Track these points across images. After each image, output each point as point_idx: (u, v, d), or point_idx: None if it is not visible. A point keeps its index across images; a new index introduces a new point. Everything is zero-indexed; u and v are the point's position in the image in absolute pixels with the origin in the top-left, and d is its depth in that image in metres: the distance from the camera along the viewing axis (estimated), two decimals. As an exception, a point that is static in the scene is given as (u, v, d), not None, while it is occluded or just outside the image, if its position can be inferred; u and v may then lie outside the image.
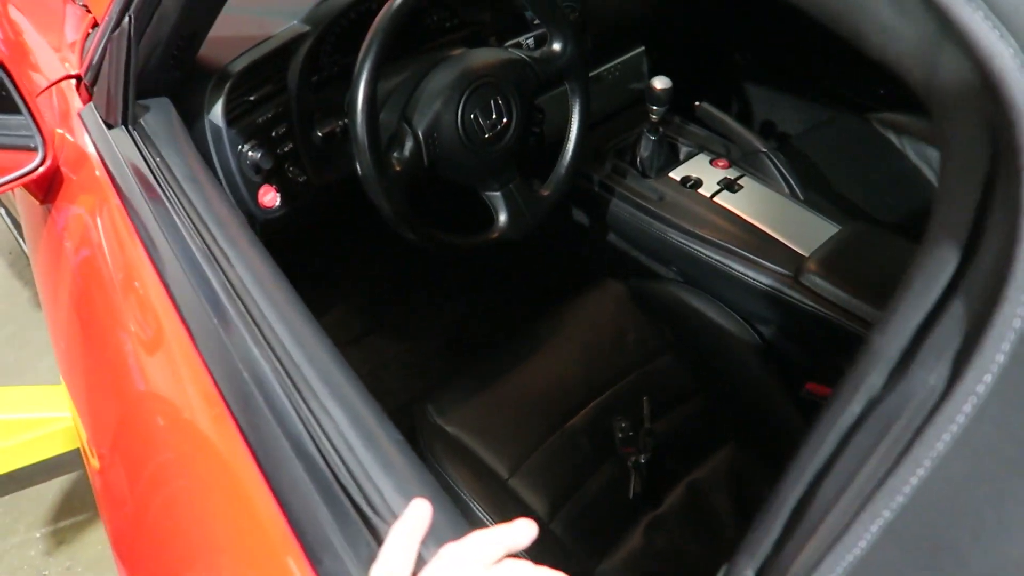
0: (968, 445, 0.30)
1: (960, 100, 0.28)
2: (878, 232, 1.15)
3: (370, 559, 0.44)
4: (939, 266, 0.30)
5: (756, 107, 1.71)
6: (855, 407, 0.34)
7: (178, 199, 0.73)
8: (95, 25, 0.98)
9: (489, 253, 1.09)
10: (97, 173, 0.80)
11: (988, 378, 0.29)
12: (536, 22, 1.20)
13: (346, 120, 1.02)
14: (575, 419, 1.04)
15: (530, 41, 1.17)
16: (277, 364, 0.57)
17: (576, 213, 1.38)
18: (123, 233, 0.73)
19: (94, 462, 0.77)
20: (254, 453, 0.55)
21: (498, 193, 1.08)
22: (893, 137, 1.49)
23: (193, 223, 0.71)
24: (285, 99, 0.99)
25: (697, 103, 1.37)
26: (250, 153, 0.94)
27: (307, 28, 1.00)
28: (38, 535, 1.59)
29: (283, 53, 0.98)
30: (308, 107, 1.00)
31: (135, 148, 0.79)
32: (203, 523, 0.59)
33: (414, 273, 1.53)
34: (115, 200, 0.76)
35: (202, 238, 0.69)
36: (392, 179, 0.95)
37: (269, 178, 0.98)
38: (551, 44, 1.09)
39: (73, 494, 1.65)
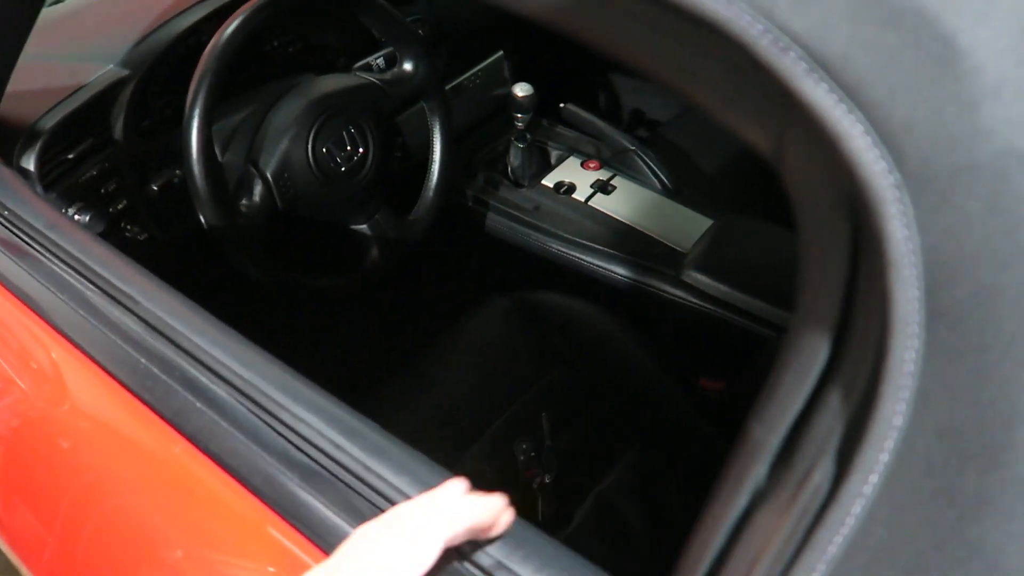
0: (862, 549, 0.27)
1: (813, 179, 0.25)
2: (752, 222, 1.16)
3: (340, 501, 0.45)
4: (811, 353, 0.27)
5: (624, 100, 1.70)
6: (742, 499, 0.31)
7: (44, 247, 0.66)
8: None
9: (367, 288, 1.03)
10: None
11: (874, 478, 0.26)
12: (383, 44, 1.14)
13: (173, 176, 0.93)
14: (475, 447, 1.00)
15: (380, 61, 1.11)
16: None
17: (453, 231, 1.33)
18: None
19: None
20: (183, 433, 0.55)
21: (364, 226, 1.02)
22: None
23: (75, 269, 0.64)
24: (111, 152, 0.89)
25: (562, 105, 1.35)
26: (76, 217, 0.84)
27: (126, 72, 0.90)
28: None
29: (102, 101, 0.88)
30: (139, 158, 0.91)
31: None
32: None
33: (278, 322, 1.43)
34: None
35: (93, 283, 0.62)
36: (242, 228, 0.87)
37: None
38: (402, 64, 1.03)
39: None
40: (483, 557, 0.43)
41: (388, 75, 1.02)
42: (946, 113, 0.22)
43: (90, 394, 0.63)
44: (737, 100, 0.26)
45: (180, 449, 0.55)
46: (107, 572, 0.63)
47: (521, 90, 1.18)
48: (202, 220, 0.85)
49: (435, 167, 1.08)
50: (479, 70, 1.40)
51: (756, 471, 0.31)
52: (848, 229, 0.25)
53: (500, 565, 0.43)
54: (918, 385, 0.24)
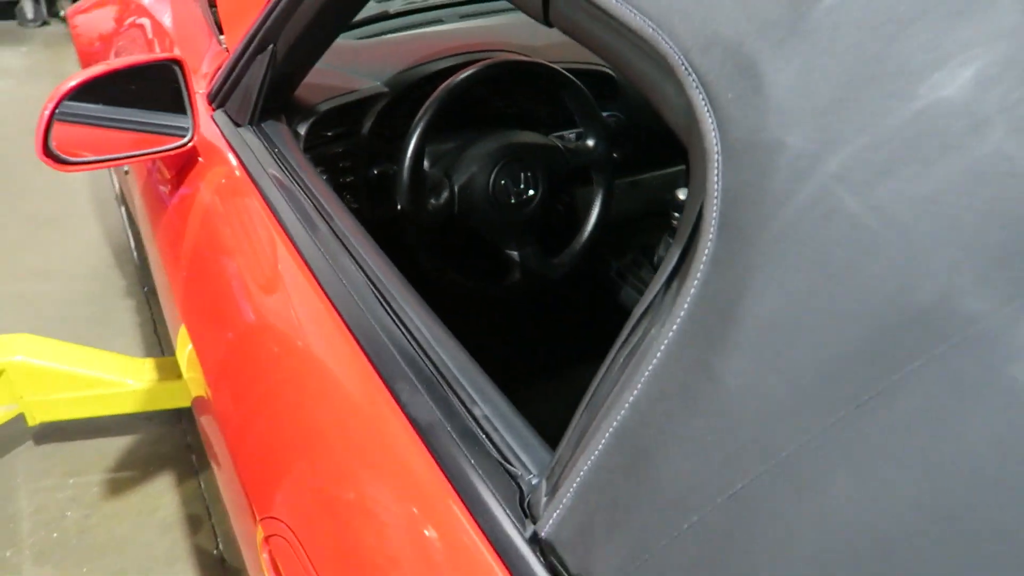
0: (658, 378, 0.44)
1: (695, 146, 0.44)
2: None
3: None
4: (676, 249, 0.45)
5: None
6: (615, 353, 0.49)
7: (294, 181, 0.95)
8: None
9: (506, 302, 1.25)
10: (228, 156, 1.03)
11: (673, 329, 0.43)
12: (570, 124, 1.40)
13: (393, 166, 1.23)
14: None
15: (572, 135, 1.37)
16: (391, 312, 0.74)
17: (592, 291, 1.53)
18: (250, 202, 0.95)
19: (207, 393, 0.93)
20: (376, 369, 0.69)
21: (515, 253, 1.26)
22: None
23: (310, 199, 0.91)
24: (354, 141, 1.21)
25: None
26: None
27: (386, 90, 1.23)
28: (70, 482, 1.78)
29: (362, 105, 1.21)
30: (371, 151, 1.22)
31: (259, 141, 1.03)
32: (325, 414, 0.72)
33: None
34: (242, 175, 0.99)
35: (319, 214, 0.88)
36: (425, 220, 1.14)
37: (330, 200, 1.20)
38: (585, 140, 1.29)
39: (109, 455, 1.84)
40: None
41: (572, 145, 1.28)
42: (748, 115, 0.40)
43: (309, 309, 0.80)
44: (660, 99, 0.47)
45: (374, 387, 0.68)
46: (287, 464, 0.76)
47: (683, 193, 1.38)
48: (399, 206, 1.13)
49: (587, 229, 1.31)
50: (659, 175, 1.62)
51: (629, 330, 0.49)
52: (701, 172, 0.44)
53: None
54: (705, 276, 0.42)
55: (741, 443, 0.40)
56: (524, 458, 0.59)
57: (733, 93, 0.42)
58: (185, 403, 1.84)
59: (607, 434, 0.47)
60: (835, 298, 0.38)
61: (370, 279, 0.78)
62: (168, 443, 1.89)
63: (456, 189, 1.18)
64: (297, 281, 0.83)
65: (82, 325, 2.18)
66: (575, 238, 1.32)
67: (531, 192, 1.23)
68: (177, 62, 0.99)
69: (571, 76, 1.23)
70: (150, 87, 1.00)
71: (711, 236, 0.42)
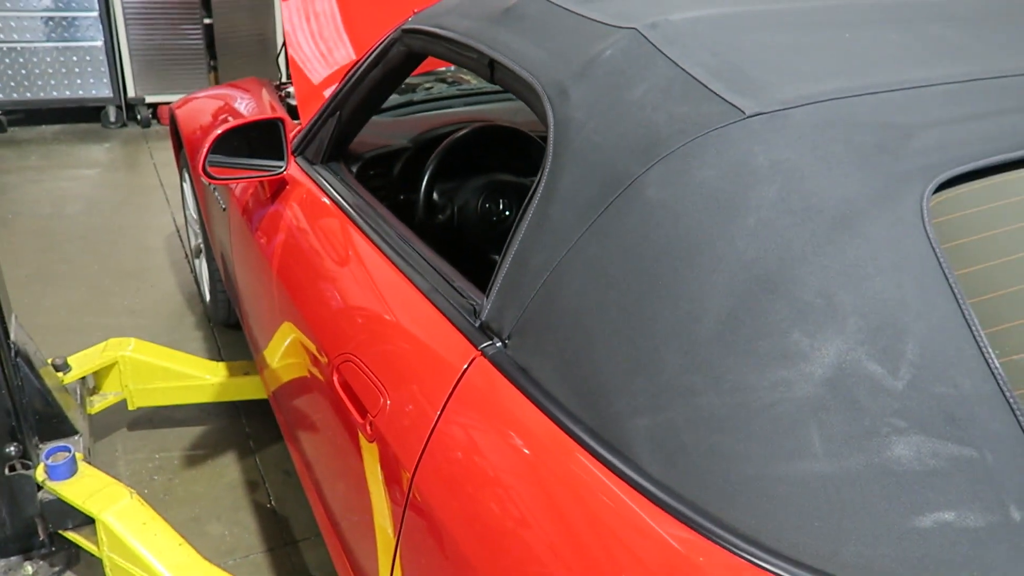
0: (530, 225, 0.98)
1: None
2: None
3: None
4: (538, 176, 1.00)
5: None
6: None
7: (357, 198, 1.51)
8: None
9: None
10: (308, 184, 1.61)
11: (536, 199, 0.98)
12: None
13: (414, 194, 1.81)
14: None
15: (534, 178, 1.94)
16: None
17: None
18: (325, 212, 1.51)
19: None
20: None
21: (496, 256, 1.81)
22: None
23: (368, 210, 1.46)
24: (388, 179, 1.79)
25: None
26: None
27: (409, 145, 1.82)
28: (156, 456, 2.28)
29: (393, 155, 1.80)
30: (399, 185, 1.80)
31: (329, 174, 1.61)
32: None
33: None
34: (319, 195, 1.56)
35: (376, 217, 1.43)
36: (434, 228, 1.70)
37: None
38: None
39: (186, 438, 2.35)
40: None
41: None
42: (563, 108, 0.96)
43: (382, 272, 1.41)
44: (534, 106, 1.03)
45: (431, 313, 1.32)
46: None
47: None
48: (415, 219, 1.70)
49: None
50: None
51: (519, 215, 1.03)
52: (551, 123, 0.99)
53: None
54: (547, 175, 0.96)
55: (557, 245, 0.93)
56: (473, 296, 1.11)
57: (558, 100, 0.98)
58: (248, 396, 2.36)
59: (508, 260, 1.00)
60: (585, 173, 0.92)
61: (407, 252, 1.32)
62: (231, 431, 2.40)
63: (456, 210, 1.74)
64: (368, 253, 1.36)
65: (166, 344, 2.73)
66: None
67: (507, 213, 1.79)
68: (280, 120, 1.58)
69: (535, 136, 1.82)
70: (260, 137, 1.59)
71: (550, 161, 0.97)
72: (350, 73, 1.61)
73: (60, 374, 2.05)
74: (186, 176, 2.83)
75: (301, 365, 1.49)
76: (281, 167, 1.61)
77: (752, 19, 1.03)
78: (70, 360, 2.15)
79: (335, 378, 1.23)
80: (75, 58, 4.69)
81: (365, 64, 1.55)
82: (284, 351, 1.62)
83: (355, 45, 2.02)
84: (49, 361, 2.01)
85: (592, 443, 0.84)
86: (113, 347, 2.23)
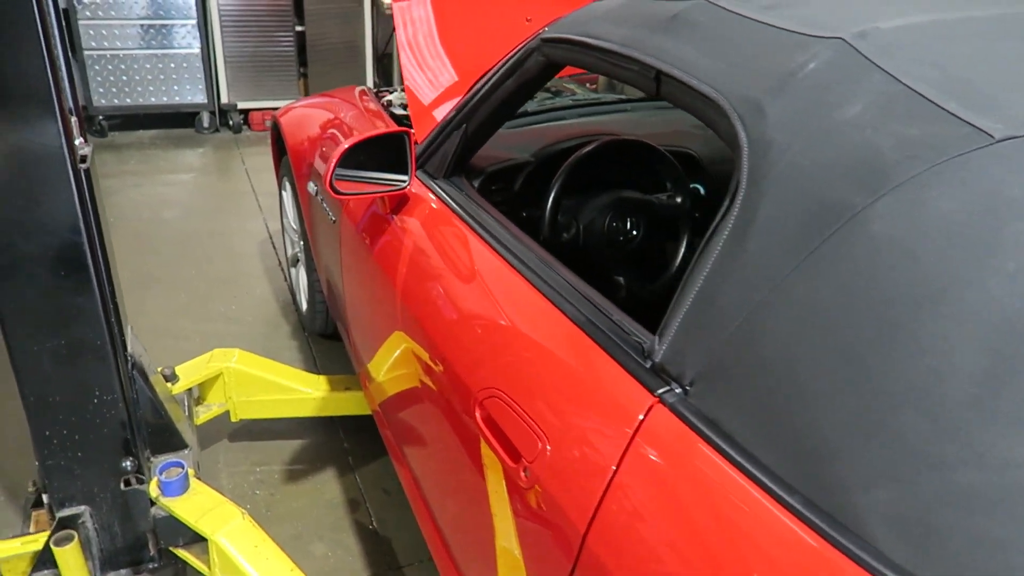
0: (721, 257, 0.87)
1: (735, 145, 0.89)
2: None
3: None
4: (726, 200, 0.90)
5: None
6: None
7: (482, 213, 1.44)
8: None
9: None
10: (430, 198, 1.55)
11: (727, 233, 0.87)
12: (668, 187, 1.87)
13: (538, 211, 1.72)
14: None
15: (664, 196, 1.83)
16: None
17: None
18: (451, 227, 1.44)
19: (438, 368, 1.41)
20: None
21: (621, 277, 1.71)
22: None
23: (511, 234, 1.37)
24: (509, 194, 1.71)
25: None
26: None
27: (531, 159, 1.74)
28: (258, 470, 2.26)
29: (514, 169, 1.72)
30: (522, 200, 1.72)
31: (453, 188, 1.54)
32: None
33: None
34: (443, 210, 1.49)
35: (526, 247, 1.32)
36: (558, 246, 1.61)
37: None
38: (674, 198, 1.75)
39: (286, 452, 2.32)
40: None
41: (665, 201, 1.74)
42: (758, 128, 0.86)
43: (512, 287, 1.27)
44: (716, 126, 0.93)
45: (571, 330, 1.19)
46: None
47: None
48: (541, 237, 1.61)
49: (675, 263, 1.75)
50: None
51: (702, 245, 0.92)
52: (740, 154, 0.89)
53: None
54: (742, 202, 0.86)
55: (756, 282, 0.83)
56: (635, 330, 1.01)
57: (752, 119, 0.88)
58: (349, 412, 2.31)
59: (691, 296, 0.90)
60: (792, 202, 0.81)
61: (553, 279, 1.22)
62: (329, 447, 2.36)
63: (581, 228, 1.65)
64: (509, 278, 1.27)
65: (262, 353, 2.71)
66: (665, 271, 1.76)
67: (634, 233, 1.69)
68: (407, 133, 1.51)
69: (664, 151, 1.71)
70: (383, 150, 1.52)
71: (743, 187, 0.86)
72: (479, 84, 1.53)
73: (169, 385, 2.04)
74: (287, 184, 2.82)
75: (427, 390, 1.42)
76: (405, 181, 1.55)
77: (963, 27, 0.91)
78: (177, 371, 2.14)
79: (477, 413, 1.15)
80: (172, 65, 4.79)
81: (497, 74, 1.47)
82: (404, 372, 1.56)
83: (471, 55, 1.96)
84: (159, 370, 2.00)
85: (809, 514, 0.73)
86: (218, 358, 2.22)
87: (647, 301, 1.73)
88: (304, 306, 2.84)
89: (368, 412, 2.30)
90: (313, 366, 2.73)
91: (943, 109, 0.78)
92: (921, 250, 0.73)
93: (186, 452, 1.87)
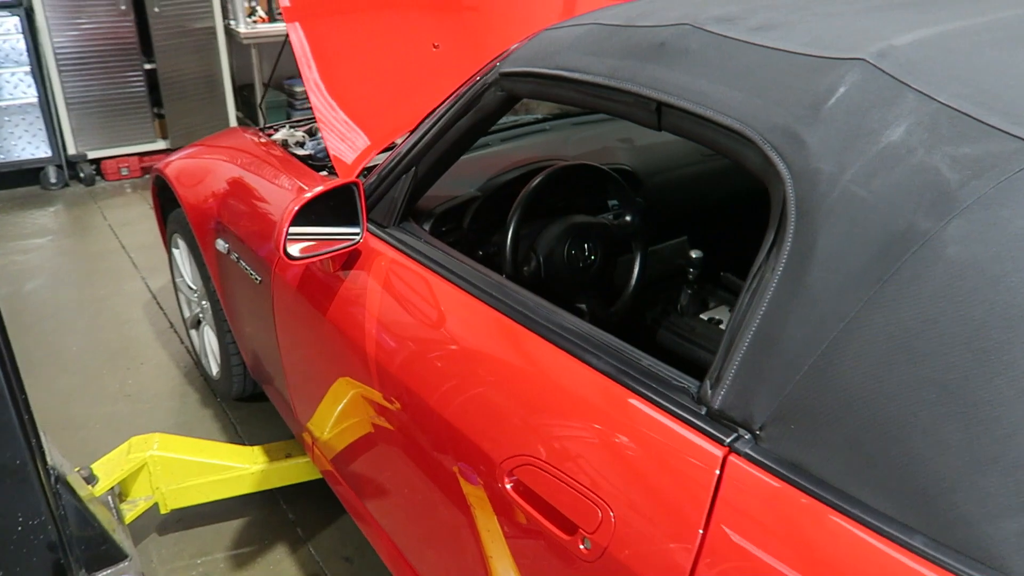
0: (776, 295, 0.84)
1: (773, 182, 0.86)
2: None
3: None
4: (769, 235, 0.86)
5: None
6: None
7: (468, 266, 1.34)
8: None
9: None
10: (385, 250, 1.43)
11: (783, 264, 0.84)
12: (612, 203, 1.84)
13: (492, 247, 1.64)
14: None
15: (609, 216, 1.81)
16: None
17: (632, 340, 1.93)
18: (424, 279, 1.34)
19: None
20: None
21: (583, 305, 1.66)
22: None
23: (495, 281, 1.26)
24: (459, 233, 1.62)
25: (723, 273, 1.97)
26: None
27: (478, 194, 1.66)
28: (198, 562, 2.04)
29: (462, 207, 1.63)
30: (472, 239, 1.64)
31: (407, 236, 1.43)
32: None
33: None
34: (398, 259, 1.38)
35: (517, 294, 1.22)
36: (521, 280, 1.54)
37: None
38: (624, 217, 1.72)
39: (226, 536, 2.11)
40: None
41: (617, 221, 1.71)
42: (799, 158, 0.83)
43: (489, 323, 1.19)
44: (742, 158, 0.89)
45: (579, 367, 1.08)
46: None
47: (695, 253, 1.81)
48: (504, 274, 1.54)
49: (632, 283, 1.73)
50: (669, 244, 2.06)
51: (750, 282, 0.89)
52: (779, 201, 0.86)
53: None
54: (793, 237, 0.83)
55: (824, 317, 0.80)
56: (675, 375, 0.97)
57: (791, 150, 0.85)
58: (293, 481, 2.14)
59: (749, 336, 0.86)
60: (852, 232, 0.79)
61: (559, 325, 1.15)
62: (273, 521, 2.17)
63: (542, 260, 1.59)
64: (492, 320, 1.18)
65: (176, 430, 2.47)
66: (623, 292, 1.73)
67: (592, 258, 1.65)
68: (355, 184, 1.40)
69: (607, 170, 1.68)
70: (330, 204, 1.40)
71: (792, 220, 0.83)
72: (427, 124, 1.44)
73: (90, 487, 1.80)
74: (178, 241, 2.58)
75: (417, 452, 1.31)
76: (358, 235, 1.43)
77: (969, 38, 0.92)
78: (95, 469, 1.90)
79: (506, 484, 1.06)
80: (6, 118, 4.31)
81: (448, 113, 1.39)
82: (372, 431, 1.44)
83: (382, 84, 1.85)
84: (75, 470, 1.76)
85: (938, 554, 0.70)
86: (138, 447, 1.98)
87: (611, 325, 1.69)
88: (215, 371, 2.61)
89: (314, 477, 2.14)
90: (236, 435, 2.51)
91: (988, 125, 0.78)
92: (1004, 270, 0.72)
93: (126, 563, 1.65)
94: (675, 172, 2.09)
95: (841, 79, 0.86)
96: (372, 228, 1.50)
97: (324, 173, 1.96)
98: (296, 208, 1.32)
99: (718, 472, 0.85)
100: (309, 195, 1.34)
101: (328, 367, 1.60)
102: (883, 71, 0.85)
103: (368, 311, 1.43)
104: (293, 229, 1.33)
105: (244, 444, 2.37)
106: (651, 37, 1.07)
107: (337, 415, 1.63)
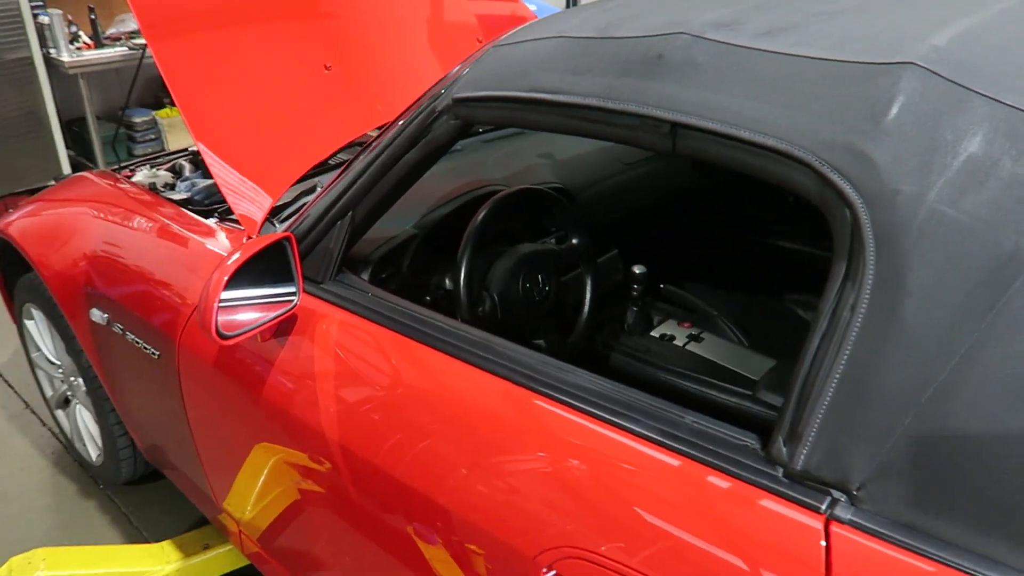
0: (862, 333, 0.74)
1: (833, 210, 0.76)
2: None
3: None
4: (839, 267, 0.76)
5: (712, 279, 2.23)
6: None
7: (397, 311, 1.17)
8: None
9: None
10: (328, 309, 1.23)
11: (865, 302, 0.74)
12: (553, 230, 1.71)
13: (439, 289, 1.47)
14: None
15: (552, 240, 1.68)
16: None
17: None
18: (365, 336, 1.16)
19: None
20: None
21: (542, 340, 1.52)
22: (801, 312, 2.03)
23: (474, 339, 1.10)
24: (399, 278, 1.44)
25: (662, 285, 1.89)
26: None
27: (415, 231, 1.48)
28: None
29: (399, 248, 1.45)
30: (415, 283, 1.46)
31: (350, 289, 1.24)
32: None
33: None
34: (341, 317, 1.19)
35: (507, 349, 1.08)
36: (478, 324, 1.38)
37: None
38: (570, 240, 1.60)
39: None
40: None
41: (564, 245, 1.59)
42: (872, 179, 0.74)
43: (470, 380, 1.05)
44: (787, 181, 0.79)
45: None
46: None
47: (638, 269, 1.72)
48: (458, 315, 1.37)
49: (586, 307, 1.61)
50: (602, 261, 1.97)
51: (824, 323, 0.78)
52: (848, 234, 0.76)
53: None
54: (874, 272, 0.73)
55: (929, 356, 0.71)
56: (729, 432, 0.85)
57: (858, 170, 0.75)
58: (215, 573, 1.86)
59: (833, 384, 0.75)
60: (951, 258, 0.70)
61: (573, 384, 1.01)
62: (196, 623, 1.88)
63: (496, 298, 1.43)
64: (511, 395, 1.02)
65: (58, 534, 2.10)
66: (578, 319, 1.61)
67: (547, 289, 1.51)
68: (287, 239, 1.19)
69: (556, 194, 1.56)
70: (261, 267, 1.18)
71: (872, 249, 0.74)
72: (362, 161, 1.25)
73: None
74: (31, 311, 2.20)
75: (382, 526, 1.13)
76: (294, 296, 1.22)
77: (994, 32, 0.87)
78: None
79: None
80: None
81: (389, 148, 1.20)
82: (331, 508, 1.25)
83: (274, 110, 1.64)
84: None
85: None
86: (20, 570, 1.64)
87: (568, 357, 1.57)
88: (94, 455, 2.25)
89: (240, 564, 1.87)
90: (132, 528, 2.16)
91: None
92: None
93: None
94: (599, 185, 1.99)
95: (896, 87, 0.77)
96: (306, 286, 1.29)
97: (214, 220, 1.71)
98: (226, 278, 1.09)
99: (824, 544, 0.74)
100: (236, 259, 1.11)
101: (252, 442, 1.38)
102: (939, 75, 0.77)
103: (317, 381, 1.22)
104: (223, 298, 1.10)
105: (147, 541, 2.04)
106: (643, 50, 0.95)
107: (264, 491, 1.41)
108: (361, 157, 1.25)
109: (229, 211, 1.74)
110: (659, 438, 0.87)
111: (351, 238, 1.28)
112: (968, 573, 0.68)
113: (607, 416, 0.92)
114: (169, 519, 2.16)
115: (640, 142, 0.94)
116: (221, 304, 1.10)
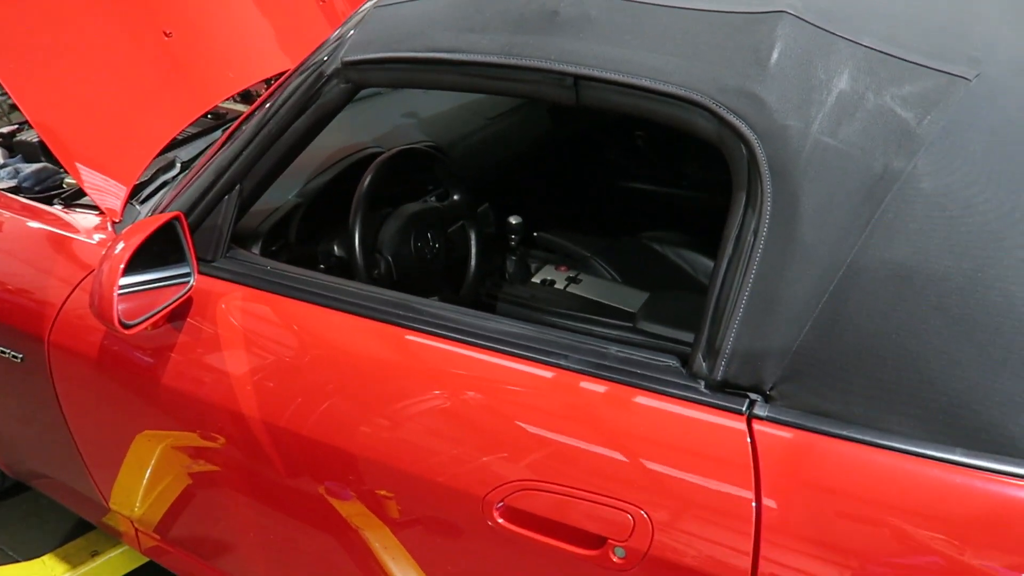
0: (766, 253, 0.84)
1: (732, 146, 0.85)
2: (673, 293, 1.77)
3: None
4: (739, 196, 0.86)
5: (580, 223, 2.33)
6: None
7: (296, 280, 1.17)
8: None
9: None
10: (215, 288, 1.19)
11: (766, 227, 0.84)
12: (431, 188, 1.74)
13: (330, 256, 1.46)
14: None
15: (433, 198, 1.70)
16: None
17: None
18: (265, 309, 1.14)
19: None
20: None
21: (435, 297, 1.56)
22: (657, 247, 2.19)
23: (380, 296, 1.12)
24: (289, 249, 1.41)
25: (536, 233, 1.97)
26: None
27: (299, 200, 1.45)
28: None
29: (285, 219, 1.42)
30: (303, 252, 1.44)
31: (244, 265, 1.21)
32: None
33: None
34: (242, 293, 1.17)
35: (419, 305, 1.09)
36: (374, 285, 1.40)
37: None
38: (452, 196, 1.63)
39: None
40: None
41: (446, 203, 1.62)
42: (762, 117, 0.83)
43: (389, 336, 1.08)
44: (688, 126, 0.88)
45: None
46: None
47: (515, 219, 1.78)
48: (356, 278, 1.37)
49: (472, 262, 1.66)
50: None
51: (729, 249, 0.88)
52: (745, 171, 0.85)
53: None
54: (772, 197, 0.83)
55: (822, 268, 0.82)
56: (652, 356, 0.94)
57: (750, 110, 0.84)
58: (115, 574, 1.76)
59: (743, 301, 0.85)
60: (835, 182, 0.81)
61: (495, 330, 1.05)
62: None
63: (391, 260, 1.45)
64: (435, 352, 1.05)
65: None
66: (467, 272, 1.66)
67: (436, 246, 1.54)
68: (177, 219, 1.13)
69: (426, 150, 1.58)
70: (147, 250, 1.12)
71: (768, 180, 0.84)
72: (246, 131, 1.20)
73: None
74: None
75: (294, 490, 1.14)
76: (188, 277, 1.17)
77: None
78: None
79: (496, 517, 0.96)
80: None
81: (275, 115, 1.17)
82: (243, 484, 1.24)
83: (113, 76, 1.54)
84: None
85: (976, 462, 0.77)
86: None
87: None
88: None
89: (136, 564, 1.79)
90: (-5, 549, 1.99)
91: (912, 63, 0.85)
92: (975, 192, 0.79)
93: None
94: (465, 141, 2.02)
95: (774, 33, 0.87)
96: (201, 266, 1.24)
97: (58, 205, 1.59)
98: (122, 266, 1.03)
99: (749, 441, 0.84)
100: (130, 244, 1.05)
101: (144, 432, 1.32)
102: (807, 22, 0.88)
103: (224, 360, 1.19)
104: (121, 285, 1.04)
105: (18, 560, 1.89)
106: (535, 6, 0.99)
107: (157, 480, 1.37)
108: (245, 127, 1.21)
109: (72, 196, 1.62)
110: (590, 370, 0.94)
111: (240, 212, 1.24)
112: (867, 444, 0.81)
113: (538, 356, 0.98)
114: (37, 533, 2.01)
115: (543, 95, 0.99)
116: (120, 292, 1.04)
